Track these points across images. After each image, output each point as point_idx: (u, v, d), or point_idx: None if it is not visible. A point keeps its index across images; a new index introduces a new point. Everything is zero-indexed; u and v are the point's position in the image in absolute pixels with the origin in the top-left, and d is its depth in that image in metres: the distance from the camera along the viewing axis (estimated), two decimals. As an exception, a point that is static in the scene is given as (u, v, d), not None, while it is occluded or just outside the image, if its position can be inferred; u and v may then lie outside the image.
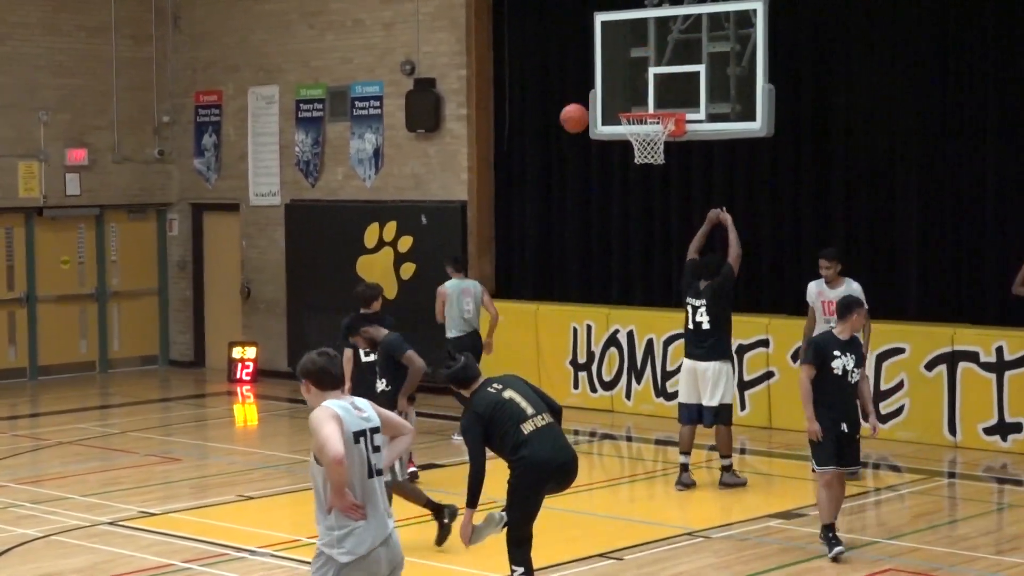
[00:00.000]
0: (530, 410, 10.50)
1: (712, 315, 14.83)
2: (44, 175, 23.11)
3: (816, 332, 14.27)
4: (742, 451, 16.77)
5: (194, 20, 24.15)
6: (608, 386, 19.72)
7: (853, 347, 12.21)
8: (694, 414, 14.89)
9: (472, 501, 10.36)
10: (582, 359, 19.90)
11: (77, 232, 23.82)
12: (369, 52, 22.10)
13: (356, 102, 22.27)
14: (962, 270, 17.80)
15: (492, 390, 10.58)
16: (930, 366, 17.17)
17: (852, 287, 15.11)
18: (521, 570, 10.76)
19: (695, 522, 13.55)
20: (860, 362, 12.22)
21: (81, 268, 23.92)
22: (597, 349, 19.78)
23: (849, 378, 12.10)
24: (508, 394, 10.55)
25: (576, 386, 19.91)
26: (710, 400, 14.79)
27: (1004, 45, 17.35)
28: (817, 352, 12.15)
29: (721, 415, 14.81)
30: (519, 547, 10.75)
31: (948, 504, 14.98)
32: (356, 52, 22.26)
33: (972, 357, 16.91)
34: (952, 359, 17.05)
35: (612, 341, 19.61)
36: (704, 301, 14.87)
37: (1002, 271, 17.31)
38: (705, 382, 14.82)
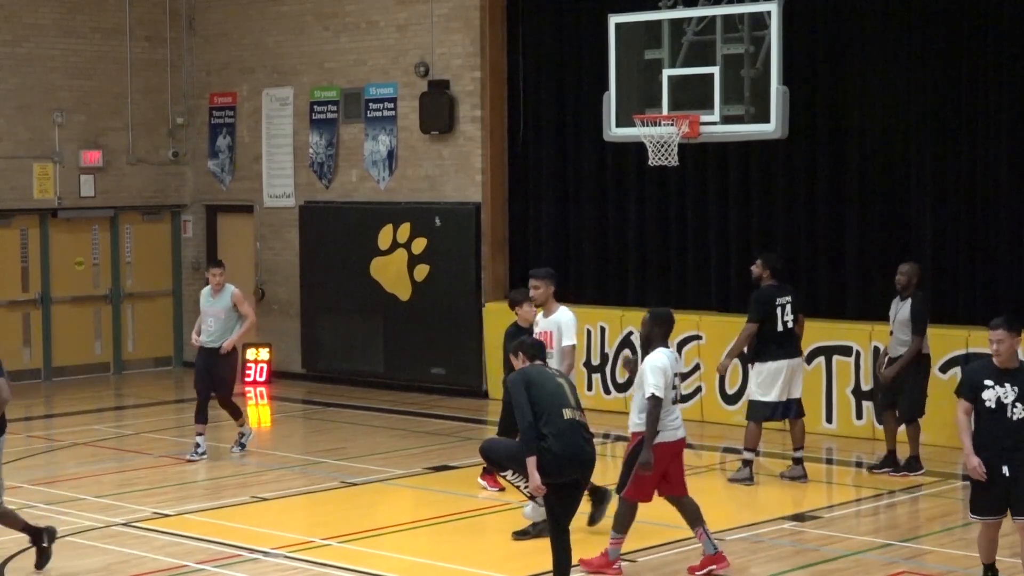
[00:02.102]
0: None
1: (794, 314, 15.54)
2: (59, 176, 23.15)
3: None
4: (757, 453, 16.74)
5: (209, 22, 24.18)
6: (622, 388, 19.70)
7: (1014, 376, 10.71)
8: (779, 411, 15.51)
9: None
10: (596, 361, 19.89)
11: (91, 233, 23.85)
12: (383, 54, 22.12)
13: (370, 104, 22.28)
14: (977, 272, 17.76)
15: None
16: (944, 368, 17.13)
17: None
18: None
19: (709, 524, 13.51)
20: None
21: (95, 269, 23.96)
22: (611, 351, 19.77)
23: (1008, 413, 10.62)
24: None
25: (590, 388, 19.90)
26: (799, 392, 15.58)
27: (1019, 47, 17.31)
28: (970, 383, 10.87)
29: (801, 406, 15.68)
30: None
31: (963, 507, 14.92)
32: (370, 54, 22.28)
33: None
34: (967, 361, 16.99)
35: (626, 343, 19.60)
36: (790, 299, 15.54)
37: (1017, 273, 17.29)
38: (796, 376, 15.54)
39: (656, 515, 13.65)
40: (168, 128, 24.39)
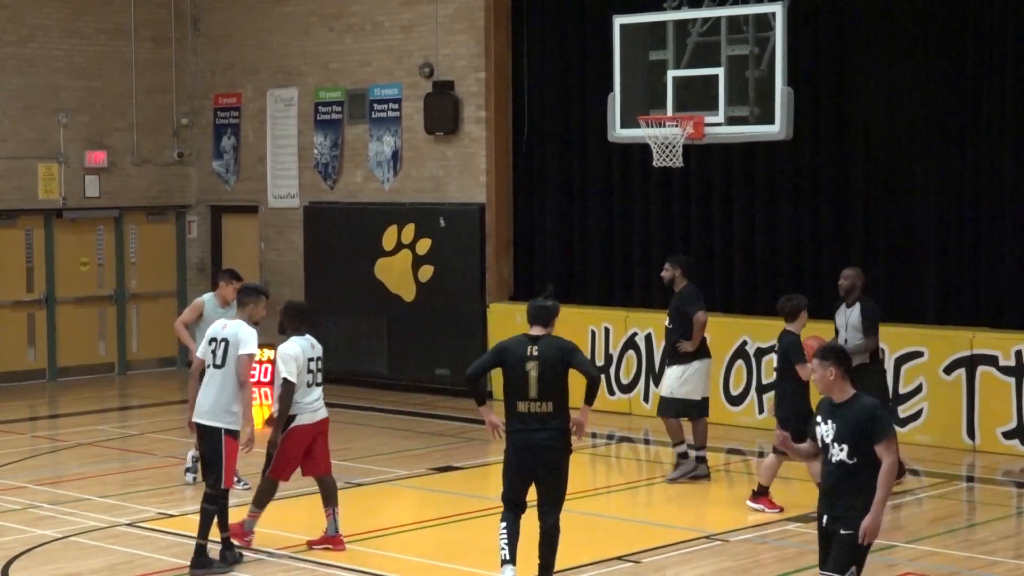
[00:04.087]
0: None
1: None
2: (64, 177, 23.18)
3: None
4: (760, 454, 16.74)
5: (213, 23, 24.20)
6: (626, 389, 19.71)
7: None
8: (703, 409, 15.70)
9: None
10: (600, 361, 19.88)
11: (96, 234, 23.87)
12: (388, 55, 22.13)
13: (375, 104, 22.30)
14: (981, 274, 17.75)
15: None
16: (949, 370, 17.14)
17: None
18: None
19: (713, 525, 13.54)
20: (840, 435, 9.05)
21: (100, 270, 23.98)
22: (615, 352, 19.78)
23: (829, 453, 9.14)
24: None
25: (594, 389, 19.88)
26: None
27: (1023, 48, 17.31)
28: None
29: None
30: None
31: (966, 508, 14.96)
32: (375, 55, 22.29)
33: (991, 361, 16.88)
34: (971, 363, 17.01)
35: (630, 344, 19.61)
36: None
37: (1022, 275, 17.29)
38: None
39: (659, 516, 13.68)
40: (173, 129, 24.41)
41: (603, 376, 19.80)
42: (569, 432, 11.01)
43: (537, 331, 11.10)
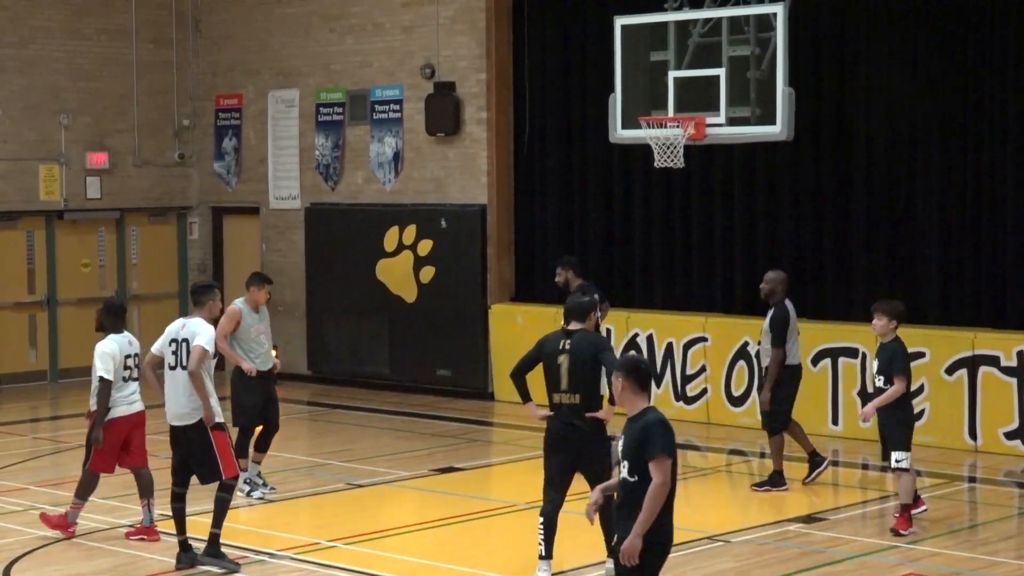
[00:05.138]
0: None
1: None
2: (65, 178, 23.18)
3: None
4: (762, 455, 16.75)
5: (214, 24, 24.20)
6: (628, 390, 19.67)
7: None
8: None
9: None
10: (602, 363, 19.85)
11: (97, 235, 23.87)
12: (389, 56, 22.13)
13: (376, 106, 22.30)
14: (983, 274, 17.75)
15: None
16: (951, 370, 17.14)
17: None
18: None
19: (715, 526, 13.53)
20: None
21: (101, 271, 23.98)
22: (617, 353, 19.74)
23: None
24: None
25: (596, 390, 19.89)
26: None
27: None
28: None
29: None
30: None
31: (968, 508, 14.96)
32: (376, 56, 22.29)
33: (993, 361, 16.88)
34: (973, 363, 17.01)
35: (632, 345, 19.60)
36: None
37: (1023, 275, 17.29)
38: None
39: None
40: (174, 130, 24.41)
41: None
42: (600, 422, 11.35)
43: (573, 326, 11.49)
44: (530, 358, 11.66)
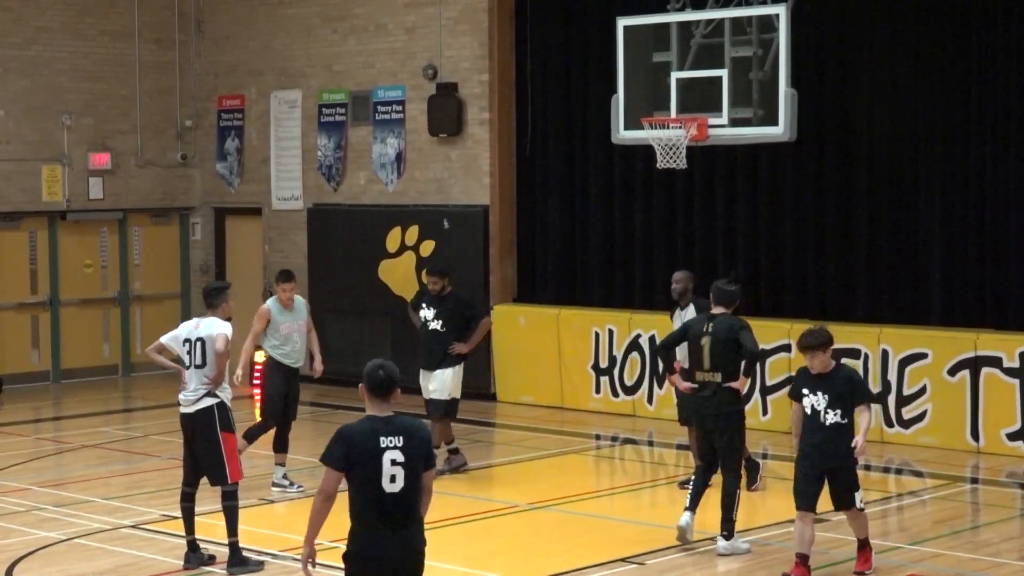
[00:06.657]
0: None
1: None
2: (67, 179, 23.19)
3: None
4: (764, 456, 16.73)
5: (217, 25, 24.21)
6: (630, 391, 19.70)
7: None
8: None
9: None
10: (604, 364, 19.89)
11: (100, 236, 23.88)
12: (391, 57, 22.13)
13: (378, 106, 22.31)
14: (986, 275, 17.75)
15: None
16: (953, 371, 17.13)
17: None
18: None
19: (717, 527, 13.52)
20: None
21: (104, 272, 23.99)
22: (619, 354, 19.77)
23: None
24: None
25: (598, 391, 19.91)
26: None
27: (1028, 49, 17.32)
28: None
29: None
30: None
31: (971, 510, 14.94)
32: (379, 57, 22.30)
33: (995, 362, 16.87)
34: (975, 364, 17.00)
35: (634, 346, 19.60)
36: None
37: (1026, 276, 17.31)
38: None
39: (663, 518, 13.66)
40: (176, 130, 24.42)
41: (607, 378, 19.84)
42: (737, 399, 12.67)
43: (718, 311, 12.77)
44: (676, 337, 13.04)
